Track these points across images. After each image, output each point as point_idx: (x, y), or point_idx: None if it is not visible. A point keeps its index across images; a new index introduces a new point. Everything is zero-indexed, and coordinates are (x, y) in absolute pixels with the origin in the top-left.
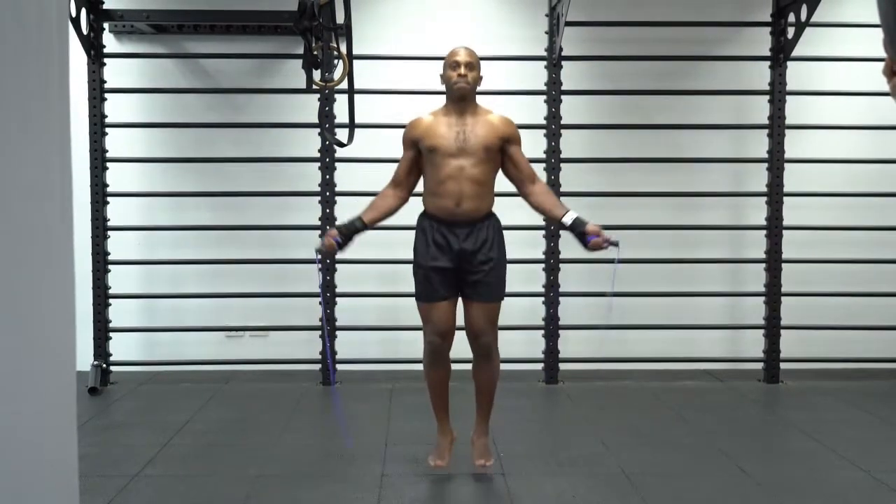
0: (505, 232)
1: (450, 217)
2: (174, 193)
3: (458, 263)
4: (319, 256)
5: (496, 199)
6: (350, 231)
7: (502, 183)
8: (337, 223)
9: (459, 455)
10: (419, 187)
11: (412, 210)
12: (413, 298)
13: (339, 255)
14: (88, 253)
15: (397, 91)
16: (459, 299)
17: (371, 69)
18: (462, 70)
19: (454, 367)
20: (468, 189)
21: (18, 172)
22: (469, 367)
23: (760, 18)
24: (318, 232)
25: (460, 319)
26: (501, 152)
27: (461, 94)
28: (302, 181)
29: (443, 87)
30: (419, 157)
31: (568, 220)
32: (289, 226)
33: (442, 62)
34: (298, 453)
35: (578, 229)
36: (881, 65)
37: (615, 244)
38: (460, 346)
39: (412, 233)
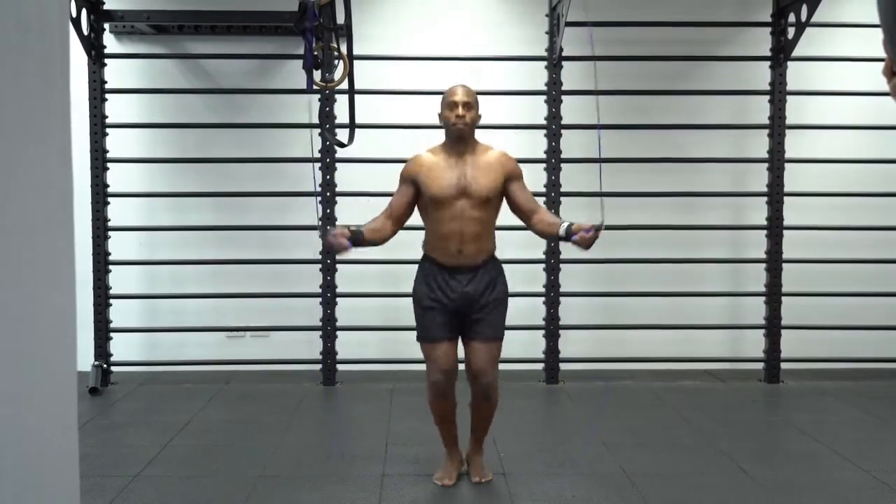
0: (506, 233)
1: (452, 263)
2: (175, 194)
3: (459, 306)
4: (320, 230)
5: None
6: (356, 242)
7: None
8: (351, 227)
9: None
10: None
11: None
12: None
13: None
14: (89, 253)
15: (398, 91)
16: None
17: (372, 70)
18: (460, 110)
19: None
20: (470, 230)
21: (19, 173)
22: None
23: (761, 19)
24: (319, 232)
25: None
26: (503, 190)
27: (459, 135)
28: (302, 181)
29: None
30: (416, 194)
31: (562, 231)
32: (289, 226)
33: (442, 58)
34: (299, 454)
35: (569, 235)
36: (881, 65)
37: (600, 228)
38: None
39: (413, 233)
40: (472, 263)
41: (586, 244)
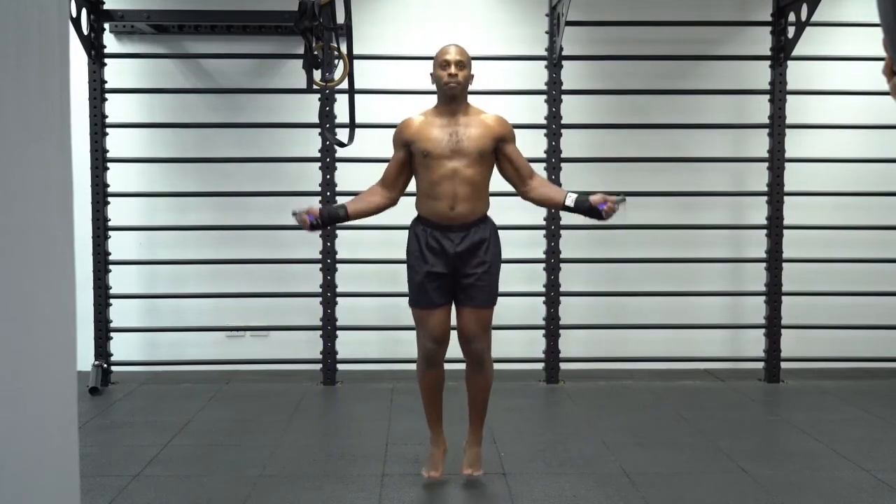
0: (505, 232)
1: (444, 221)
2: (175, 193)
3: (453, 268)
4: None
5: (496, 198)
6: (331, 217)
7: (501, 183)
8: (321, 206)
9: (460, 456)
10: (410, 187)
11: (411, 209)
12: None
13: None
14: (89, 253)
15: (398, 91)
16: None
17: (371, 69)
18: (452, 69)
19: (450, 367)
20: (462, 191)
21: (19, 172)
22: (464, 366)
23: (761, 18)
24: (319, 232)
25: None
26: (496, 152)
27: (452, 94)
28: (302, 181)
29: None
30: (409, 158)
31: (570, 202)
32: (289, 226)
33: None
34: (299, 453)
35: (585, 206)
36: (881, 64)
37: (623, 201)
38: (456, 346)
39: None
40: (465, 222)
41: (610, 214)
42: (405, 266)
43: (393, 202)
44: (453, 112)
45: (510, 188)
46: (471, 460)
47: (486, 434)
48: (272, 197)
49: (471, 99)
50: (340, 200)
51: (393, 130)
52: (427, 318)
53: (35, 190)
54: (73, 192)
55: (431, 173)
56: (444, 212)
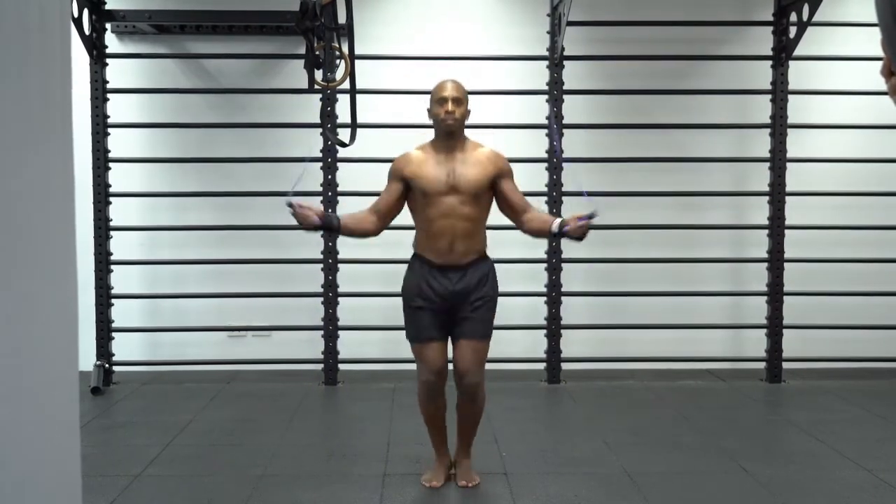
0: (507, 232)
1: (444, 260)
2: (176, 193)
3: (450, 305)
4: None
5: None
6: (327, 226)
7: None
8: (328, 212)
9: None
10: (403, 217)
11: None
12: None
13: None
14: (91, 253)
15: (399, 91)
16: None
17: (373, 69)
18: (449, 106)
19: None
20: (460, 227)
21: (21, 173)
22: None
23: (762, 18)
24: (320, 233)
25: None
26: (493, 187)
27: (449, 131)
28: (304, 181)
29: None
30: (404, 191)
31: (555, 227)
32: (291, 226)
33: (443, 57)
34: (301, 453)
35: (564, 232)
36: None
37: (591, 217)
38: None
39: (413, 232)
40: (463, 262)
41: (578, 233)
42: (405, 267)
43: (381, 230)
44: (451, 148)
45: None
46: (463, 472)
47: (488, 434)
48: (273, 197)
49: (472, 99)
50: (342, 200)
51: (396, 130)
52: (425, 352)
53: (36, 190)
54: (75, 193)
55: (429, 210)
56: (444, 250)
